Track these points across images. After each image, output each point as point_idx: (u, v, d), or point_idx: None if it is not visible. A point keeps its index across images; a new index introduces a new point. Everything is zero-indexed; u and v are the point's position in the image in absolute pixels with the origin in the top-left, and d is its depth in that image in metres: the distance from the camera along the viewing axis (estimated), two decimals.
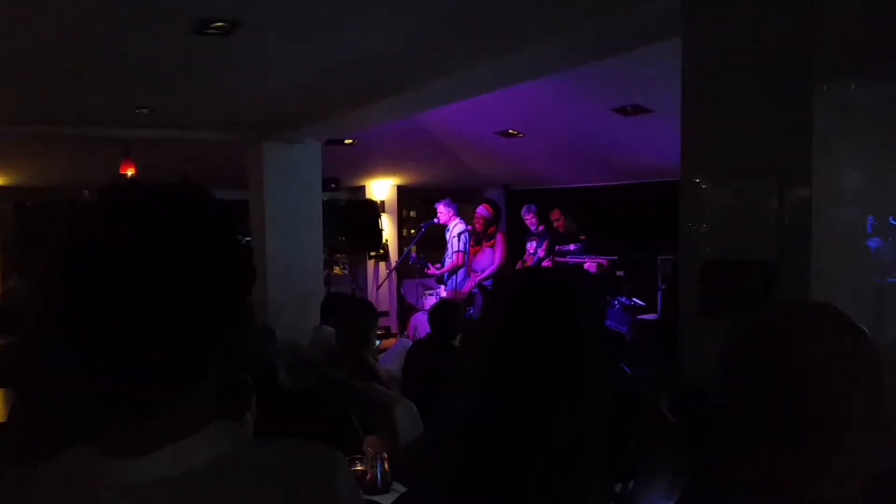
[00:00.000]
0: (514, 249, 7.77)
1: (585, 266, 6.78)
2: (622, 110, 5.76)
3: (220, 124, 5.91)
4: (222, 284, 0.79)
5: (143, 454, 0.77)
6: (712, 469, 1.02)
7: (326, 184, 7.81)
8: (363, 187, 9.47)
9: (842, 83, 2.01)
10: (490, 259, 7.73)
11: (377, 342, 5.66)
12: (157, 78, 4.15)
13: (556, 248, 7.15)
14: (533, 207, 7.57)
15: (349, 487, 0.85)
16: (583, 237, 6.98)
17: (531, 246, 7.54)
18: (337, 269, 9.21)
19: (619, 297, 6.77)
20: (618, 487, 1.25)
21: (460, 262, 7.52)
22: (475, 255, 7.88)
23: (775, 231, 2.04)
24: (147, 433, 0.78)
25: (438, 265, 7.85)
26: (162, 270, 0.74)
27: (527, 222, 7.63)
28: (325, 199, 7.41)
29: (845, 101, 2.03)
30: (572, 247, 6.99)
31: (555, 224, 7.25)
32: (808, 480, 0.92)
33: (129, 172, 6.46)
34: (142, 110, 5.02)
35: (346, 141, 7.48)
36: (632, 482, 1.26)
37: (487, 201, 8.31)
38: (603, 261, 6.67)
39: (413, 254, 8.01)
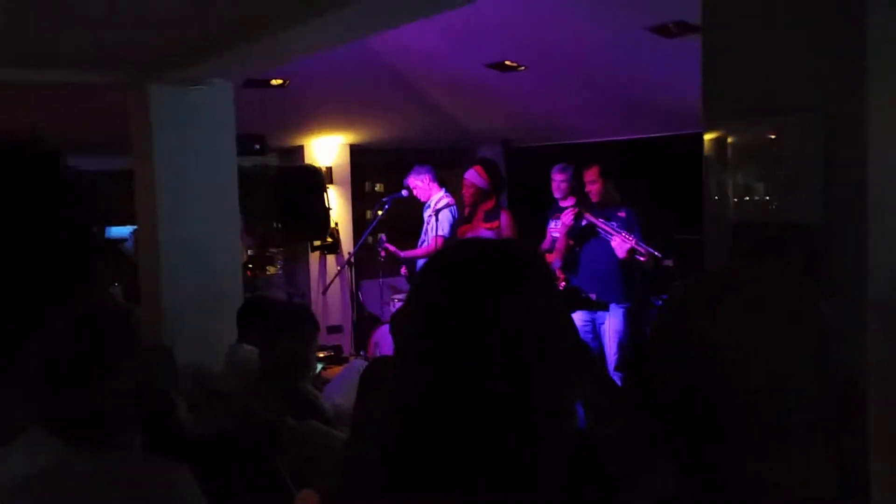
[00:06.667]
0: (524, 229, 7.71)
1: (612, 243, 6.75)
2: (662, 29, 5.75)
3: (90, 60, 5.84)
4: (41, 267, 0.91)
5: None
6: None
7: (247, 144, 7.76)
8: (300, 148, 9.43)
9: None
10: None
11: (319, 365, 5.73)
12: None
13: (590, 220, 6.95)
14: (569, 168, 7.33)
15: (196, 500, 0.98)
16: (622, 213, 6.86)
17: (555, 227, 7.33)
18: (270, 269, 9.24)
19: (665, 296, 6.82)
20: None
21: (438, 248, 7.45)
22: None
23: (820, 184, 2.19)
24: None
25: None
26: None
27: (554, 188, 7.40)
28: (246, 165, 7.37)
29: None
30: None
31: (587, 187, 7.03)
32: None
33: None
34: None
35: (274, 81, 7.44)
36: None
37: (481, 162, 8.15)
38: (641, 248, 6.59)
39: (381, 235, 7.92)
